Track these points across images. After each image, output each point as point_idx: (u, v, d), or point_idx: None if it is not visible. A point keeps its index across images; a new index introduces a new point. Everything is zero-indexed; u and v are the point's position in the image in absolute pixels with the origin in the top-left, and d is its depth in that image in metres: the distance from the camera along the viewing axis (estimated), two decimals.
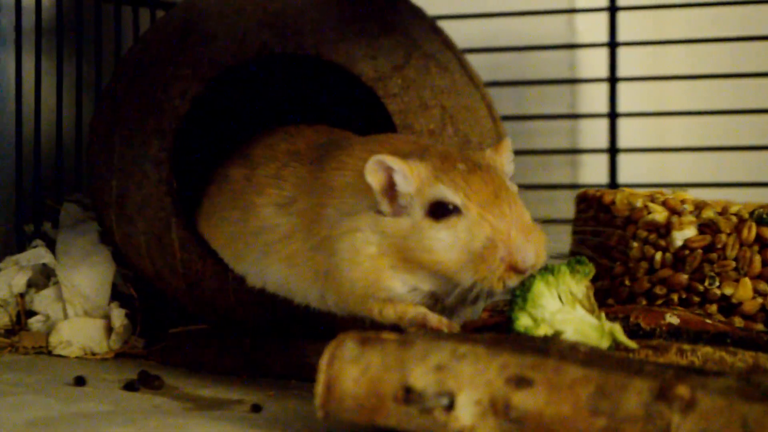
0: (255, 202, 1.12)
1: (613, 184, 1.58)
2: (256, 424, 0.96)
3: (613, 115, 1.59)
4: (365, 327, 1.17)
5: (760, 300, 1.15)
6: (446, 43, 1.33)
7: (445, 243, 0.96)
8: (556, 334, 0.92)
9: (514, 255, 0.94)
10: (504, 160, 1.03)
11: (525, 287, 0.93)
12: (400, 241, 0.98)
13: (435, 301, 1.01)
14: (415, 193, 0.98)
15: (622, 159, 1.60)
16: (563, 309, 0.93)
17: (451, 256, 0.96)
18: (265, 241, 1.10)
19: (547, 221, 1.61)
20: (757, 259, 1.16)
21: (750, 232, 1.16)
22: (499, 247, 0.94)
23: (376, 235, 0.99)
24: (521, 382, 0.80)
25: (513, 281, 0.94)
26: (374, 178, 0.98)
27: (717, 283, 1.16)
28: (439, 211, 0.96)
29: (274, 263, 1.10)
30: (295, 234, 1.07)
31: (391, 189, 0.98)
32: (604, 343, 0.93)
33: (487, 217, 0.95)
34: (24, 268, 1.33)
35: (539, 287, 0.93)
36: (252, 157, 1.17)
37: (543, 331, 0.92)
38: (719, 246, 1.16)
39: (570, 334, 0.92)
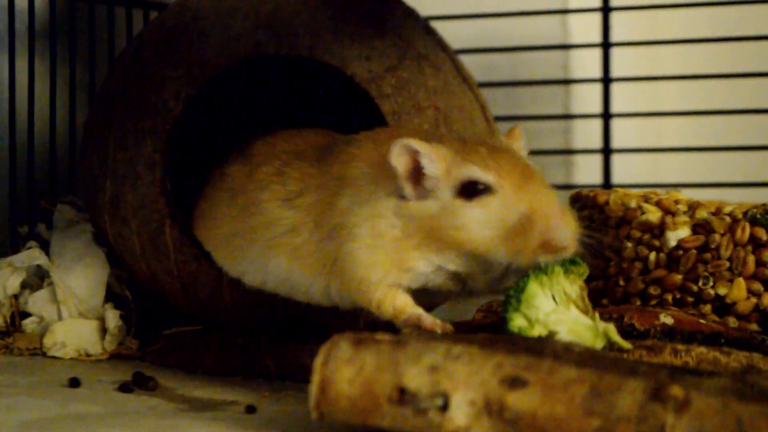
0: (257, 198, 1.12)
1: (607, 184, 1.58)
2: (251, 426, 0.96)
3: (606, 116, 1.59)
4: (360, 328, 1.17)
5: (754, 300, 1.15)
6: (440, 43, 1.33)
7: (480, 221, 0.96)
8: (551, 335, 0.92)
9: (552, 231, 0.94)
10: (519, 145, 1.04)
11: (519, 287, 0.93)
12: (427, 223, 0.98)
13: (458, 282, 1.01)
14: (443, 175, 0.98)
15: (616, 159, 1.60)
16: (557, 309, 0.94)
17: (485, 234, 0.96)
18: (268, 236, 1.10)
19: None
20: (751, 259, 1.16)
21: (744, 232, 1.16)
22: (537, 221, 0.94)
23: (399, 219, 0.99)
24: (515, 383, 0.80)
25: (547, 259, 0.94)
26: (399, 162, 0.98)
27: (711, 284, 1.16)
28: (471, 190, 0.96)
29: (277, 257, 1.09)
30: (301, 227, 1.07)
31: (415, 173, 0.98)
32: (599, 344, 0.93)
33: (522, 194, 0.95)
34: (18, 270, 1.33)
35: (533, 288, 0.93)
36: (252, 156, 1.17)
37: (537, 331, 0.92)
38: (713, 246, 1.17)
39: (564, 335, 0.92)
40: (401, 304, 1.01)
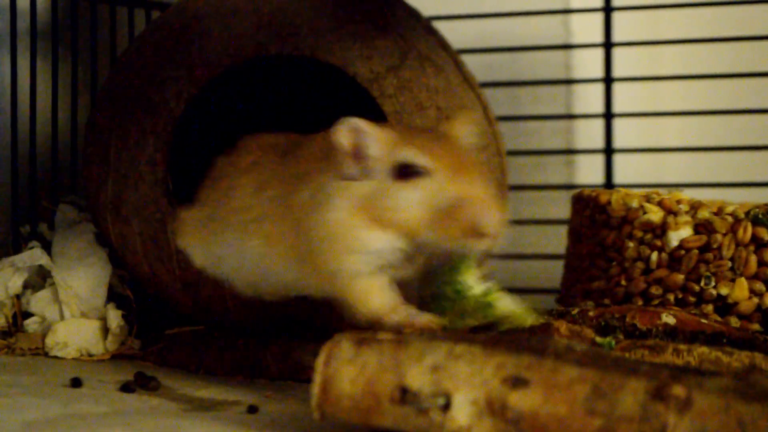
0: (235, 183, 1.15)
1: (609, 184, 1.58)
2: (253, 425, 0.96)
3: (608, 116, 1.59)
4: (362, 328, 1.17)
5: (755, 300, 1.16)
6: (441, 43, 1.33)
7: (410, 202, 0.99)
8: (488, 308, 0.97)
9: (480, 217, 0.96)
10: (465, 132, 1.06)
11: (454, 266, 0.98)
12: (369, 203, 1.01)
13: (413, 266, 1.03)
14: (384, 156, 1.01)
15: (618, 159, 1.60)
16: (483, 288, 0.99)
17: (415, 214, 0.99)
18: (243, 219, 1.12)
19: (543, 222, 1.63)
20: (753, 259, 1.16)
21: (745, 232, 1.16)
22: (465, 207, 0.97)
23: (345, 199, 1.02)
24: (517, 382, 0.80)
25: (475, 244, 0.97)
26: (344, 139, 1.01)
27: (713, 283, 1.16)
28: (405, 172, 1.00)
29: (251, 240, 1.11)
30: (268, 217, 1.10)
31: (358, 152, 1.01)
32: (530, 321, 0.98)
33: (454, 180, 0.98)
34: (20, 270, 1.33)
35: (466, 267, 0.98)
36: (237, 147, 1.20)
37: (470, 303, 0.97)
38: (715, 246, 1.17)
39: (499, 311, 0.98)
40: (386, 303, 1.02)
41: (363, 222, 1.01)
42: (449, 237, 0.98)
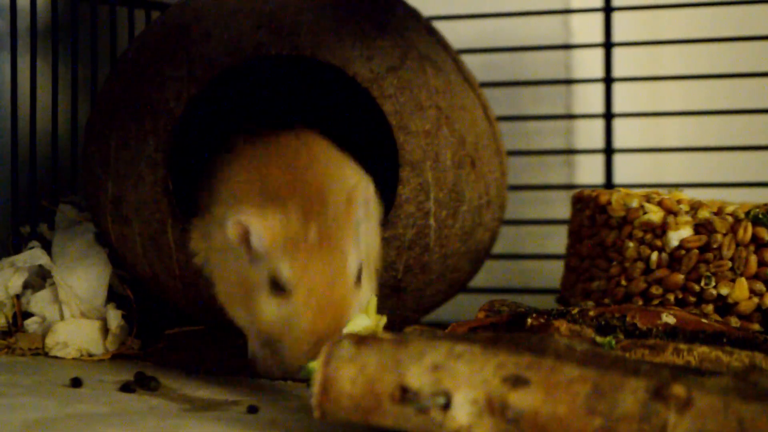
0: (234, 193, 1.18)
1: (609, 184, 1.58)
2: (253, 425, 0.96)
3: (608, 116, 1.59)
4: None
5: (756, 300, 1.16)
6: (441, 43, 1.33)
7: (272, 315, 1.06)
8: None
9: (316, 353, 0.97)
10: (354, 211, 1.08)
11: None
12: (247, 288, 1.08)
13: None
14: (266, 254, 1.06)
15: (618, 159, 1.60)
16: None
17: (272, 327, 1.06)
18: None
19: (543, 222, 1.63)
20: (753, 259, 1.16)
21: (746, 232, 1.16)
22: (310, 342, 1.02)
23: (236, 269, 1.10)
24: (518, 382, 0.80)
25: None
26: (232, 234, 1.06)
27: (713, 283, 1.16)
28: (276, 285, 1.05)
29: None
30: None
31: (248, 244, 1.07)
32: None
33: (310, 313, 1.03)
34: (20, 270, 1.33)
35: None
36: (241, 150, 1.22)
37: None
38: (715, 246, 1.17)
39: None
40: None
41: (236, 295, 1.11)
42: (292, 354, 1.04)
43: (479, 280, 1.44)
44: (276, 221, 1.06)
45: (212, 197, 1.18)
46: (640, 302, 1.19)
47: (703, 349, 0.96)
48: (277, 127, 1.23)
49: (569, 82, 1.68)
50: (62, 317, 1.31)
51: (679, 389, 0.77)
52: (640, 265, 1.20)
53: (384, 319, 0.98)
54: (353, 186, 1.10)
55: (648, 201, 1.21)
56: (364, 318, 0.99)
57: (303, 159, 1.16)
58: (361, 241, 1.10)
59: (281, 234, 1.05)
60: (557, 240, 1.51)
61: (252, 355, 1.15)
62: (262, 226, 1.05)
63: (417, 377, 0.82)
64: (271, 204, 1.08)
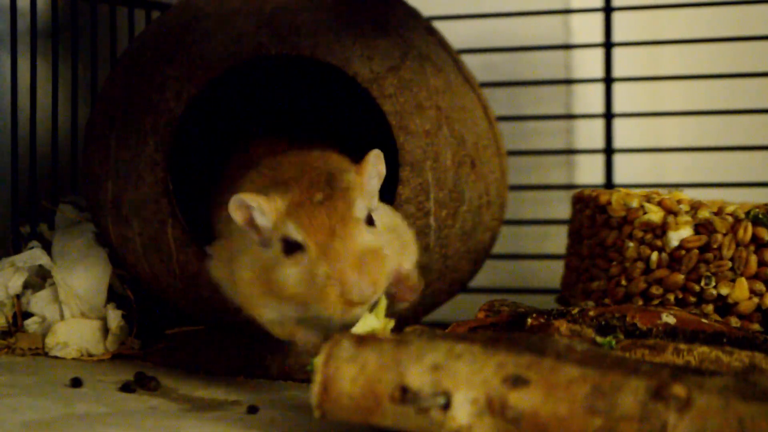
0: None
1: (609, 184, 1.58)
2: (253, 426, 0.96)
3: (608, 116, 1.59)
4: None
5: (756, 300, 1.16)
6: (441, 43, 1.33)
7: (293, 277, 1.04)
8: None
9: (348, 292, 1.00)
10: (364, 180, 1.08)
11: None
12: (263, 272, 1.07)
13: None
14: (273, 228, 1.05)
15: (618, 159, 1.60)
16: None
17: (298, 290, 1.03)
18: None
19: (543, 222, 1.63)
20: (753, 259, 1.16)
21: (746, 232, 1.16)
22: (335, 285, 1.00)
23: (251, 264, 1.09)
24: (518, 382, 0.80)
25: (352, 313, 1.01)
26: (237, 215, 1.06)
27: (713, 283, 1.16)
28: (289, 246, 1.04)
29: None
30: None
31: (253, 224, 1.07)
32: None
33: (325, 255, 1.02)
34: (20, 270, 1.33)
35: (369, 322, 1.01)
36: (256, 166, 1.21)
37: None
38: (715, 246, 1.17)
39: None
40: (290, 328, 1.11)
41: (258, 289, 1.09)
42: (328, 309, 1.01)
43: (479, 280, 1.44)
44: (277, 197, 1.06)
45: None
46: (640, 302, 1.19)
47: (703, 349, 0.96)
48: (283, 134, 1.23)
49: (569, 82, 1.68)
50: (62, 317, 1.31)
51: (679, 389, 0.77)
52: (640, 265, 1.20)
53: (392, 323, 0.98)
54: (364, 159, 1.09)
55: (648, 201, 1.21)
56: (373, 319, 0.99)
57: (315, 157, 1.16)
58: (379, 211, 1.09)
59: (284, 204, 1.05)
60: (557, 240, 1.51)
61: (290, 338, 1.12)
62: (264, 202, 1.05)
63: (417, 377, 0.82)
64: (274, 186, 1.08)
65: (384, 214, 1.10)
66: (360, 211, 1.05)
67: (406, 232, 1.15)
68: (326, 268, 1.01)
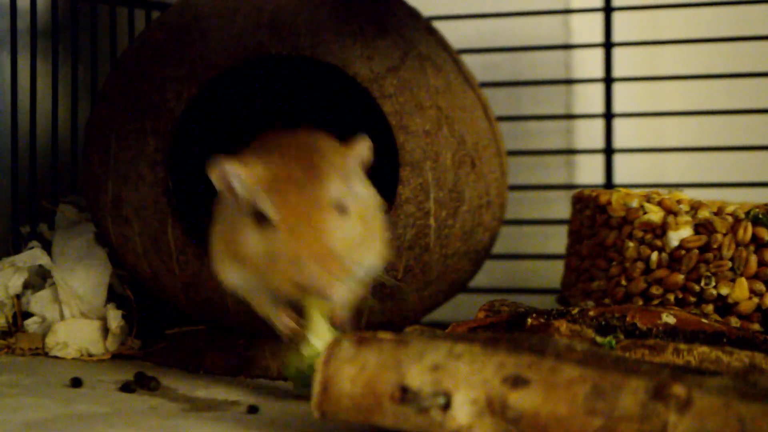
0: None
1: (609, 184, 1.58)
2: (253, 426, 0.96)
3: (608, 116, 1.59)
4: (362, 328, 1.17)
5: (756, 300, 1.16)
6: (441, 43, 1.33)
7: (257, 248, 1.06)
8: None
9: (303, 281, 1.02)
10: (347, 162, 1.10)
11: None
12: (233, 235, 1.10)
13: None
14: (248, 196, 1.07)
15: (618, 159, 1.60)
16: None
17: (259, 261, 1.06)
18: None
19: (543, 222, 1.63)
20: (753, 259, 1.16)
21: (746, 232, 1.16)
22: (293, 269, 1.02)
23: (224, 226, 1.13)
24: (518, 382, 0.80)
25: (302, 297, 1.05)
26: (216, 180, 1.08)
27: (713, 283, 1.16)
28: (261, 217, 1.06)
29: None
30: None
31: (232, 190, 1.08)
32: None
33: (291, 237, 1.04)
34: (20, 270, 1.33)
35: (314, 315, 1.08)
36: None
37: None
38: (715, 246, 1.17)
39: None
40: (269, 308, 1.14)
41: (226, 252, 1.12)
42: (279, 287, 1.04)
43: (479, 280, 1.44)
44: (258, 165, 1.08)
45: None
46: (640, 302, 1.19)
47: (703, 349, 0.96)
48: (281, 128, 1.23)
49: (569, 82, 1.68)
50: (62, 317, 1.31)
51: (679, 389, 0.77)
52: (640, 265, 1.20)
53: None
54: (351, 141, 1.11)
55: (648, 201, 1.21)
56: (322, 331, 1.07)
57: (303, 134, 1.18)
58: (357, 193, 1.11)
59: (263, 175, 1.07)
60: (557, 240, 1.51)
61: (267, 318, 1.14)
62: (243, 169, 1.07)
63: (417, 377, 0.82)
64: (257, 157, 1.10)
65: (362, 202, 1.12)
66: (335, 196, 1.07)
67: (377, 228, 1.16)
68: (289, 250, 1.03)
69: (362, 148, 1.11)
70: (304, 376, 1.05)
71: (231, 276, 1.13)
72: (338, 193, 1.07)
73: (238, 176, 1.07)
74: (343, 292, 1.05)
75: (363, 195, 1.14)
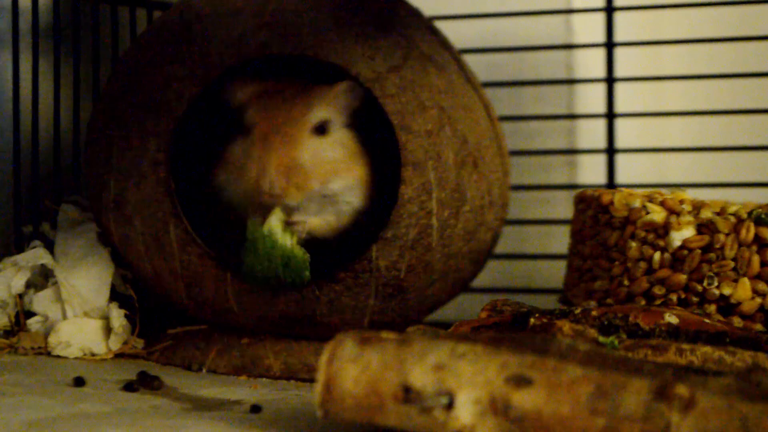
0: None
1: (611, 184, 1.58)
2: (256, 425, 0.96)
3: (610, 116, 1.59)
4: (365, 327, 1.17)
5: (758, 300, 1.15)
6: (443, 43, 1.33)
7: (235, 153, 1.19)
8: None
9: (260, 181, 1.14)
10: (337, 96, 1.21)
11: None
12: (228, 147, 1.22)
13: None
14: (243, 109, 1.20)
15: (620, 159, 1.60)
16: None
17: (235, 164, 1.19)
18: None
19: (545, 222, 1.63)
20: (756, 259, 1.16)
21: (748, 232, 1.16)
22: (255, 170, 1.15)
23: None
24: (521, 382, 0.80)
25: (264, 199, 1.16)
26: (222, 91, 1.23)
27: (715, 283, 1.16)
28: (247, 128, 1.19)
29: None
30: None
31: None
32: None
33: (263, 142, 1.16)
34: (23, 269, 1.33)
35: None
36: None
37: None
38: (717, 246, 1.17)
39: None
40: None
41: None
42: (244, 186, 1.17)
43: (482, 279, 1.44)
44: (259, 85, 1.21)
45: None
46: (643, 302, 1.19)
47: (706, 349, 0.95)
48: None
49: (571, 81, 1.68)
50: (65, 316, 1.31)
51: (682, 389, 0.77)
52: (642, 265, 1.20)
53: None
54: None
55: (650, 201, 1.21)
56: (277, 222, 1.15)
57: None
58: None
59: (256, 90, 1.20)
60: (559, 240, 1.51)
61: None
62: (243, 85, 1.21)
63: (420, 377, 0.82)
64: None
65: (341, 144, 1.21)
66: (317, 118, 1.18)
67: (356, 161, 1.22)
68: (257, 152, 1.15)
69: (350, 90, 1.21)
70: (256, 246, 1.15)
71: (223, 179, 1.21)
72: (321, 116, 1.19)
73: (237, 90, 1.21)
74: (299, 201, 1.16)
75: (344, 138, 1.22)
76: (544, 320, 1.02)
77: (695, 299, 1.17)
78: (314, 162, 1.17)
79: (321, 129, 1.19)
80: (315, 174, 1.17)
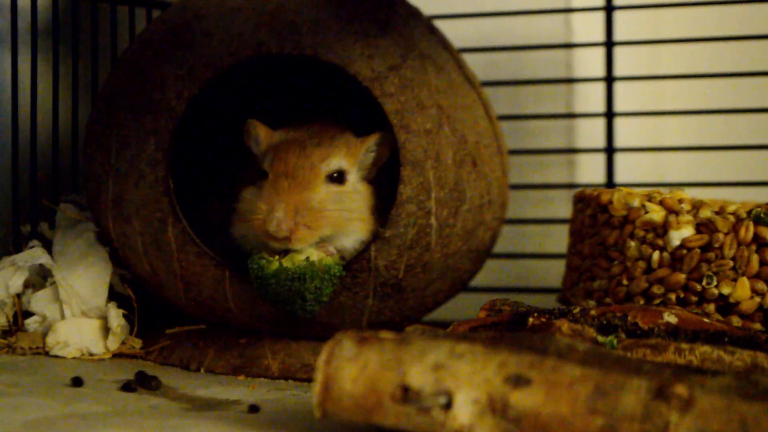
0: None
1: (610, 183, 1.58)
2: (254, 425, 0.96)
3: (609, 115, 1.59)
4: (363, 327, 1.17)
5: (757, 299, 1.15)
6: (443, 42, 1.33)
7: (247, 199, 1.19)
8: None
9: (267, 224, 1.14)
10: (360, 149, 1.22)
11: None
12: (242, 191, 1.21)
13: None
14: (261, 155, 1.21)
15: (619, 158, 1.60)
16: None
17: (245, 211, 1.18)
18: None
19: (544, 221, 1.63)
20: (755, 258, 1.16)
21: (747, 231, 1.16)
22: (263, 215, 1.15)
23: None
24: (519, 381, 0.80)
25: (272, 244, 1.16)
26: (246, 136, 1.24)
27: (714, 283, 1.16)
28: (264, 174, 1.19)
29: None
30: None
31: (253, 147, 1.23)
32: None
33: (274, 188, 1.16)
34: (21, 269, 1.33)
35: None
36: None
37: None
38: (717, 245, 1.17)
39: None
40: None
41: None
42: (253, 232, 1.17)
43: (480, 279, 1.44)
44: (278, 132, 1.22)
45: None
46: (642, 302, 1.19)
47: (705, 349, 0.95)
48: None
49: (570, 81, 1.68)
50: (63, 316, 1.31)
51: (681, 389, 0.77)
52: (641, 264, 1.20)
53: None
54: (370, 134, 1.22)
55: (649, 200, 1.21)
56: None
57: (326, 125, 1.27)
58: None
59: (276, 137, 1.21)
60: (558, 239, 1.51)
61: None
62: (261, 131, 1.22)
63: (418, 377, 0.82)
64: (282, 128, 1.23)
65: (357, 195, 1.21)
66: (334, 167, 1.18)
67: (367, 216, 1.22)
68: (268, 198, 1.15)
69: (379, 142, 1.21)
70: (268, 282, 1.14)
71: (237, 230, 1.21)
72: (339, 166, 1.19)
73: (255, 136, 1.22)
74: (308, 242, 1.15)
75: (364, 193, 1.21)
76: (543, 320, 1.02)
77: (694, 299, 1.16)
78: (331, 209, 1.18)
79: (341, 178, 1.20)
80: (330, 220, 1.18)
